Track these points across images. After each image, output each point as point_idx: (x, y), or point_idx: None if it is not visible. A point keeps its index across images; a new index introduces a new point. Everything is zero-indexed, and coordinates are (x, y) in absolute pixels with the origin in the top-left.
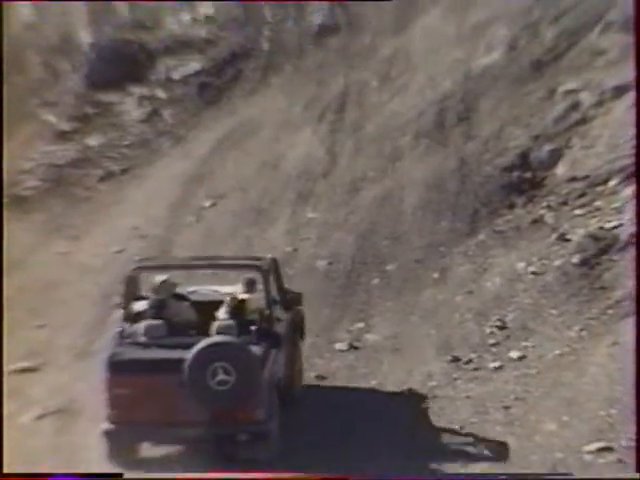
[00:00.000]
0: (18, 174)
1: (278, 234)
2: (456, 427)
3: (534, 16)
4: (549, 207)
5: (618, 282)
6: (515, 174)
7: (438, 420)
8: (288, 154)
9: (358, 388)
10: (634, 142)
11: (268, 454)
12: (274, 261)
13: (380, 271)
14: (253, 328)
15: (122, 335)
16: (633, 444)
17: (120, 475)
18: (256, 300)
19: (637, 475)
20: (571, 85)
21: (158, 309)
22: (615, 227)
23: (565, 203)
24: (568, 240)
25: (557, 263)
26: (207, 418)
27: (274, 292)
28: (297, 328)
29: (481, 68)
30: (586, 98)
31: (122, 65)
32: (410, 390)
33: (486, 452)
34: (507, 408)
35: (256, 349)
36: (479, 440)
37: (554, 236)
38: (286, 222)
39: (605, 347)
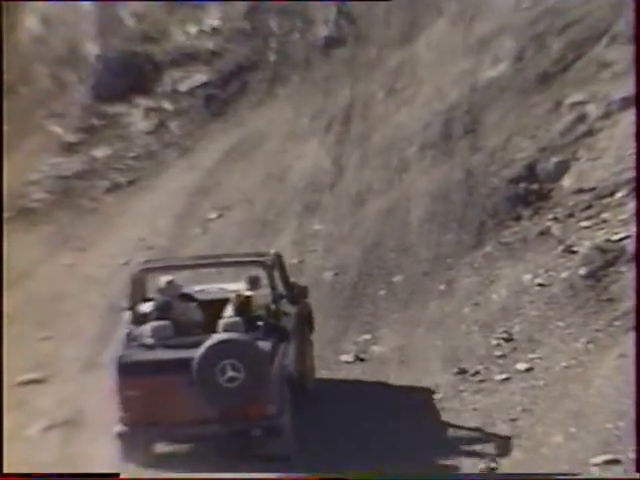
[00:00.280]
0: (25, 186)
1: (284, 246)
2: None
3: (540, 28)
4: (556, 219)
5: (625, 294)
6: (522, 186)
7: (445, 433)
8: (294, 165)
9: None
10: (635, 156)
11: (283, 448)
12: (278, 256)
13: (386, 283)
14: (260, 324)
15: (129, 337)
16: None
17: (117, 475)
18: (262, 296)
19: (637, 475)
20: (578, 97)
21: (164, 310)
22: (622, 239)
23: (572, 215)
24: (575, 252)
25: (564, 275)
26: (219, 415)
27: (280, 287)
28: (305, 321)
29: (487, 80)
30: (593, 110)
31: (129, 77)
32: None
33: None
34: (514, 420)
35: (264, 344)
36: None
37: (560, 248)
38: (292, 234)
39: (612, 359)
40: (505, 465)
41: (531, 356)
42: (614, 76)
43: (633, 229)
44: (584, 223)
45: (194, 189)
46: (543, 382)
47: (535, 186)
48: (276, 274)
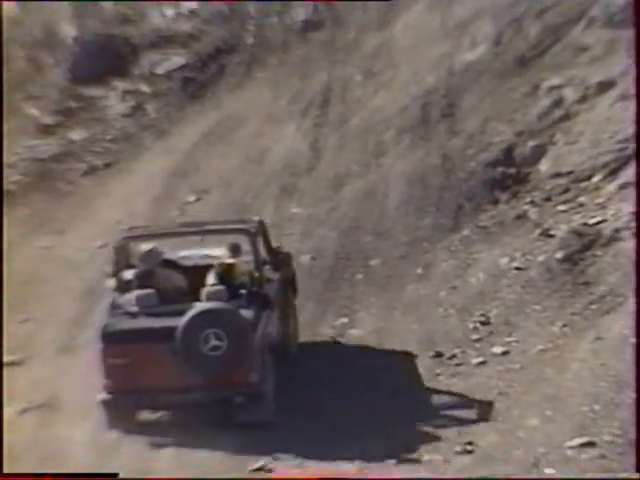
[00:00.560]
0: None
1: None
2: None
3: (518, 12)
4: (533, 203)
5: (601, 278)
6: (499, 170)
7: (420, 415)
8: (272, 149)
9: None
10: (621, 136)
11: (265, 415)
12: (261, 223)
13: (364, 266)
14: (243, 292)
15: (113, 305)
16: (615, 439)
17: (116, 475)
18: (245, 263)
19: (637, 475)
20: (555, 81)
21: (145, 279)
22: (598, 223)
23: (549, 199)
24: (552, 236)
25: (540, 259)
26: (202, 383)
27: (263, 253)
28: (289, 286)
29: (465, 64)
30: (570, 94)
31: (106, 59)
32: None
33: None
34: (490, 404)
35: (246, 313)
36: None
37: (537, 232)
38: (270, 217)
39: (588, 342)
40: (481, 448)
41: (507, 339)
42: (591, 60)
43: (609, 212)
44: (561, 207)
45: (172, 172)
46: (519, 365)
47: (512, 170)
48: (259, 241)
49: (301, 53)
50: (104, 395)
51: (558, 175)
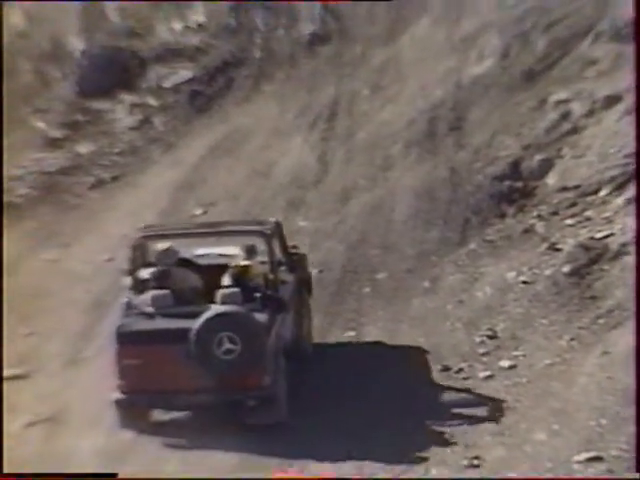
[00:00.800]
0: (9, 181)
1: None
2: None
3: (525, 25)
4: (540, 217)
5: (608, 292)
6: (506, 183)
7: (428, 428)
8: (279, 162)
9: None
10: (628, 150)
11: (276, 418)
12: (278, 224)
13: (371, 280)
14: (257, 295)
15: (129, 306)
16: (622, 454)
17: (115, 475)
18: (260, 264)
19: (637, 475)
20: (562, 95)
21: (161, 279)
22: (605, 237)
23: (556, 213)
24: (559, 250)
25: (547, 273)
26: (215, 385)
27: (278, 255)
28: (304, 287)
29: (472, 77)
30: (577, 108)
31: (113, 72)
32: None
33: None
34: (497, 418)
35: (261, 317)
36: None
37: (545, 246)
38: None
39: (595, 357)
40: (488, 462)
41: (515, 353)
42: (598, 74)
43: (617, 227)
44: (568, 221)
45: (179, 185)
46: (526, 379)
47: (519, 184)
48: (275, 242)
49: (308, 67)
50: (118, 395)
51: (565, 189)
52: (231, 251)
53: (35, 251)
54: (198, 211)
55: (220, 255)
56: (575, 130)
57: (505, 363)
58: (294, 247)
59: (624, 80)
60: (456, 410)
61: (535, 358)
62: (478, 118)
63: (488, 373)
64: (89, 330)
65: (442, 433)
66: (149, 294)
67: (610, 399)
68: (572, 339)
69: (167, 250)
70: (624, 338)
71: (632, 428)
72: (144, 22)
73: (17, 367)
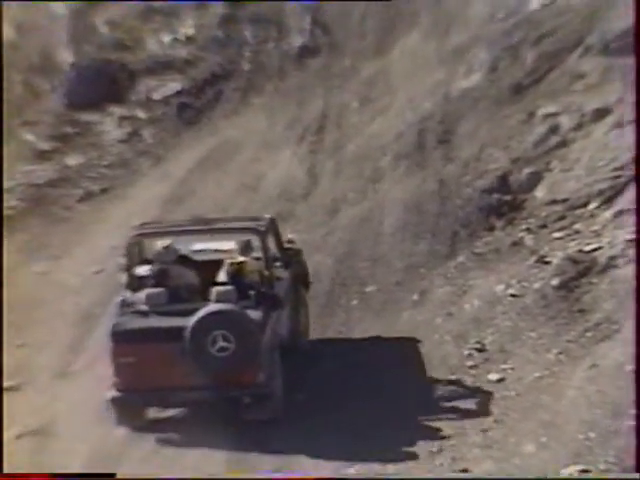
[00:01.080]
0: None
1: None
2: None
3: (514, 39)
4: (528, 230)
5: (597, 305)
6: (495, 196)
7: (416, 444)
8: (268, 175)
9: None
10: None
11: (271, 414)
12: (272, 221)
13: (359, 292)
14: (252, 292)
15: (124, 304)
16: (611, 467)
17: (113, 475)
18: (256, 260)
19: (637, 475)
20: (551, 108)
21: (159, 277)
22: (594, 250)
23: (544, 226)
24: (547, 263)
25: (536, 286)
26: (210, 382)
27: (273, 252)
28: (300, 283)
29: (461, 90)
30: (565, 121)
31: (102, 85)
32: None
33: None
34: (485, 431)
35: (255, 314)
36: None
37: (533, 259)
38: None
39: (583, 370)
40: (477, 475)
41: (503, 366)
42: (587, 87)
43: (605, 240)
44: (557, 234)
45: (167, 198)
46: (515, 392)
47: (508, 197)
48: (270, 239)
49: (297, 79)
50: (113, 393)
51: (554, 202)
52: (228, 246)
53: (25, 263)
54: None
55: (217, 251)
56: (564, 143)
57: (494, 376)
58: (290, 242)
59: (613, 93)
60: (443, 423)
61: (524, 371)
62: (467, 131)
63: (477, 386)
64: (78, 342)
65: (430, 446)
66: (144, 292)
67: (599, 412)
68: (560, 352)
69: (167, 248)
70: (612, 351)
71: (621, 441)
72: (133, 34)
73: (8, 379)
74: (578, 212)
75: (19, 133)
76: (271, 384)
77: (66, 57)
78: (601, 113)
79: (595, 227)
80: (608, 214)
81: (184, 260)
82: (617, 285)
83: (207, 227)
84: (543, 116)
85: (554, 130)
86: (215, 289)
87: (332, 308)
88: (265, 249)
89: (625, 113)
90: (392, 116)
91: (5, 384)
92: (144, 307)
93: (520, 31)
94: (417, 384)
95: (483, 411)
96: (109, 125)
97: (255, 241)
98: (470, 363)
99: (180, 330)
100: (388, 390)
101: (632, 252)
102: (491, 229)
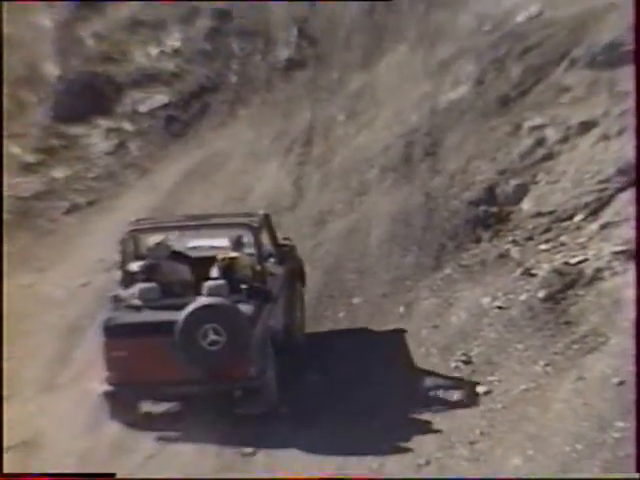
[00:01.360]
0: None
1: None
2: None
3: (501, 52)
4: (515, 242)
5: (583, 317)
6: (481, 209)
7: (401, 459)
8: (255, 187)
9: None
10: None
11: (263, 407)
12: (266, 217)
13: (346, 304)
14: (243, 287)
15: (117, 299)
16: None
17: (113, 475)
18: (249, 256)
19: (637, 475)
20: (537, 121)
21: (151, 272)
22: (580, 262)
23: (531, 238)
24: (533, 275)
25: (522, 298)
26: (202, 376)
27: (267, 248)
28: (296, 278)
29: (448, 103)
30: (552, 134)
31: (89, 98)
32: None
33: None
34: (473, 443)
35: (246, 308)
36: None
37: (519, 271)
38: None
39: (570, 382)
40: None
41: (490, 379)
42: (573, 100)
43: (591, 252)
44: (543, 246)
45: (155, 210)
46: (501, 405)
47: (495, 209)
48: (263, 235)
49: (284, 92)
50: (106, 387)
51: (540, 214)
52: (223, 243)
53: (10, 276)
54: (173, 236)
55: (212, 247)
56: (550, 156)
57: (480, 389)
58: (286, 239)
59: (599, 106)
60: (430, 435)
61: (510, 383)
62: (453, 143)
63: None
64: (64, 355)
65: (416, 459)
66: (137, 287)
67: (585, 424)
68: (547, 364)
69: (159, 243)
70: (599, 363)
71: (607, 454)
72: (120, 47)
73: None
74: (564, 224)
75: (5, 145)
76: (262, 377)
77: (52, 70)
78: (587, 126)
79: (581, 239)
80: (594, 226)
81: (177, 256)
82: (603, 297)
83: (201, 223)
84: (529, 128)
85: (540, 142)
86: (207, 283)
87: (319, 320)
88: (258, 244)
89: (611, 126)
90: (379, 129)
91: None
92: (137, 302)
93: (506, 44)
94: (403, 396)
95: (470, 423)
96: (96, 138)
97: (248, 237)
98: (457, 375)
99: (171, 324)
100: (373, 402)
101: (618, 264)
102: (477, 241)
